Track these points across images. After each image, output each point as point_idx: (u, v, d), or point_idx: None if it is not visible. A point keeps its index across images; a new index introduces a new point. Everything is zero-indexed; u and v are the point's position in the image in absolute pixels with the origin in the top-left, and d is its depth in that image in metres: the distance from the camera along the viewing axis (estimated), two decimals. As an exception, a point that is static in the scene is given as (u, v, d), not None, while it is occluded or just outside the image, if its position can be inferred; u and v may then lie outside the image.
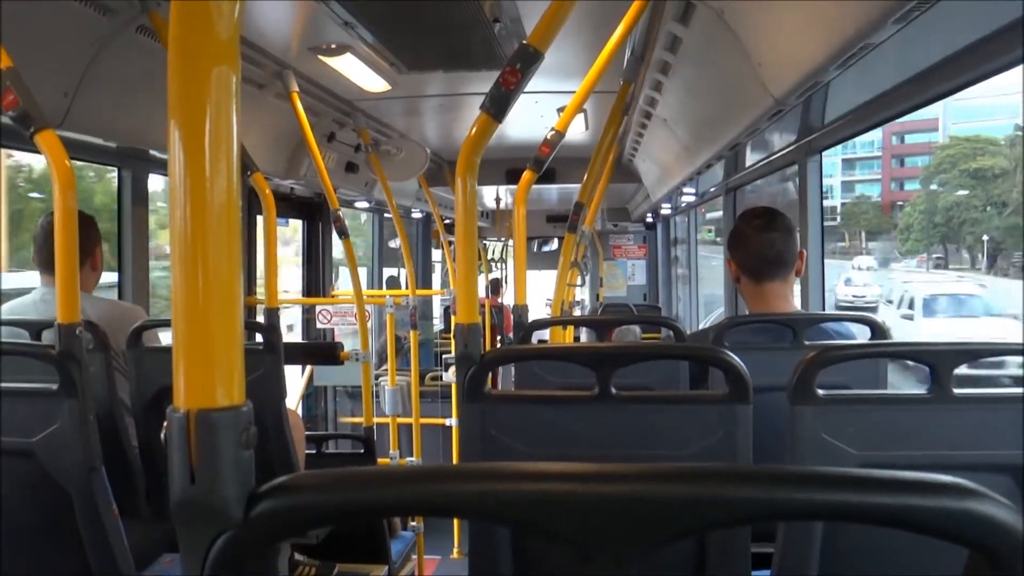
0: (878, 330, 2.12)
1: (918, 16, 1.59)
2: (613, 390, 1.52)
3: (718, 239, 8.25)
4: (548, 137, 2.37)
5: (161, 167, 3.59)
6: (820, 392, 1.42)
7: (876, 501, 0.52)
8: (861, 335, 2.28)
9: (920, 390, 1.42)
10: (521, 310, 2.64)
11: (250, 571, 0.61)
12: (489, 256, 10.58)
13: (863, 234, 28.22)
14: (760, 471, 0.54)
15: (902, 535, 1.41)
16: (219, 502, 0.62)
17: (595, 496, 0.54)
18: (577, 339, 5.76)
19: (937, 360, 1.39)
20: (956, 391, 1.39)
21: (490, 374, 1.62)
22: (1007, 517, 0.50)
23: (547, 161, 2.35)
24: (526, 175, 2.40)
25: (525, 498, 0.55)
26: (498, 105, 1.49)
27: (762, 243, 2.25)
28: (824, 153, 3.10)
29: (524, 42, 1.51)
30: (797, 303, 2.42)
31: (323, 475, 0.60)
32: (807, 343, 2.09)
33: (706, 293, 7.46)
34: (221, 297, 0.64)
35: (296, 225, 6.00)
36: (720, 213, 5.50)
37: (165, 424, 0.65)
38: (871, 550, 1.43)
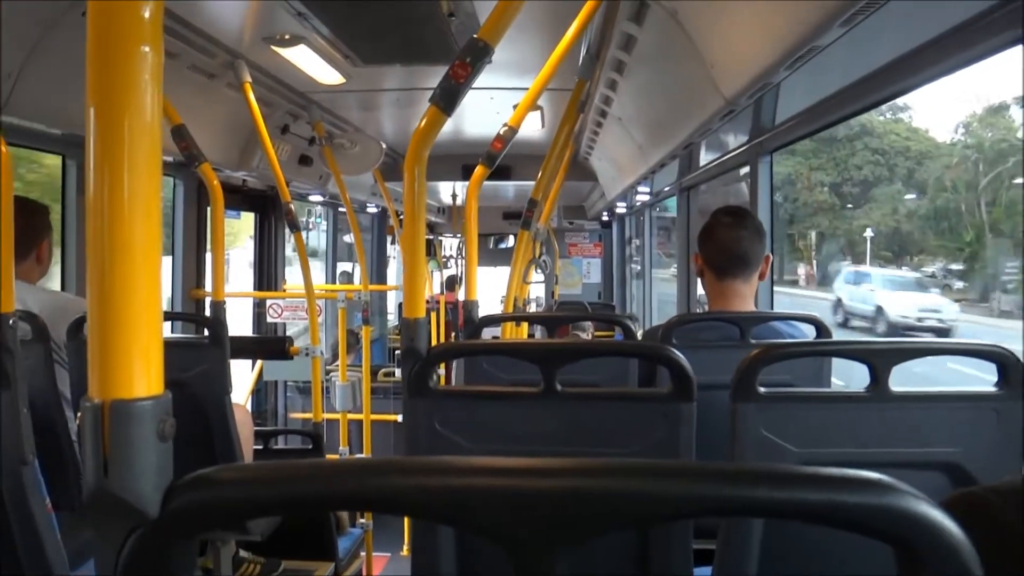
0: (822, 329, 2.16)
1: (863, 20, 1.62)
2: (559, 387, 1.52)
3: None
4: (501, 133, 2.37)
5: None
6: (762, 390, 1.44)
7: (800, 497, 0.52)
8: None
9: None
10: (471, 306, 2.63)
11: (170, 567, 0.59)
12: (445, 253, 10.54)
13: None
14: (686, 466, 0.54)
15: (838, 534, 1.43)
16: (133, 496, 0.60)
17: (520, 490, 0.54)
18: (532, 336, 5.77)
19: (875, 359, 1.41)
20: (894, 389, 1.42)
21: (443, 370, 1.61)
22: (926, 512, 0.51)
23: (499, 157, 2.35)
24: (478, 170, 2.39)
25: (450, 492, 0.54)
26: (447, 98, 1.48)
27: (730, 240, 2.27)
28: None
29: (474, 36, 1.50)
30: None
31: (245, 468, 0.58)
32: (754, 341, 2.11)
33: (660, 292, 7.51)
34: (140, 283, 0.62)
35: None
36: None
37: (78, 415, 0.63)
38: (809, 548, 1.45)
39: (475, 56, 1.48)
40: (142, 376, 0.63)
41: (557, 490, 0.53)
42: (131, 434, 0.61)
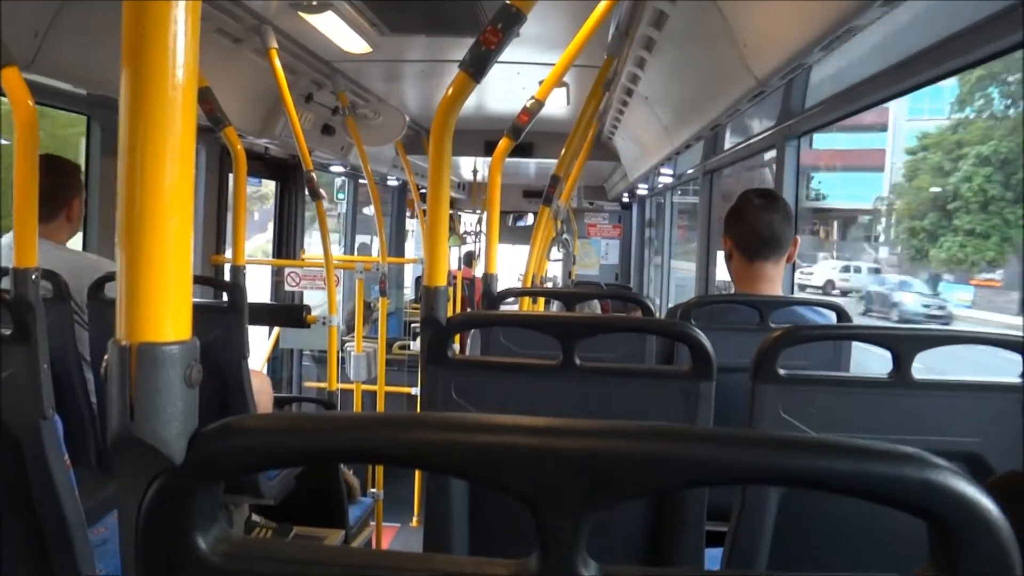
0: (843, 315, 2.14)
1: (903, 0, 1.59)
2: (577, 361, 1.51)
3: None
4: (528, 105, 2.35)
5: None
6: (782, 372, 1.42)
7: (836, 467, 0.51)
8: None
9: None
10: (490, 279, 2.62)
11: (193, 513, 0.58)
12: (463, 229, 10.53)
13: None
14: (718, 432, 0.53)
15: (855, 518, 1.41)
16: (159, 440, 0.60)
17: (549, 449, 0.53)
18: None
19: (899, 345, 1.40)
20: (917, 377, 1.40)
21: (458, 343, 1.60)
22: (964, 488, 0.50)
23: (525, 129, 2.33)
24: (503, 142, 2.38)
25: (478, 448, 0.54)
26: (477, 64, 1.46)
27: (761, 222, 2.25)
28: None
29: (507, 2, 1.48)
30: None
31: (269, 417, 0.58)
32: (774, 325, 2.10)
33: (678, 277, 7.48)
34: (171, 227, 0.62)
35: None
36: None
37: (106, 357, 0.62)
38: (822, 531, 1.44)
39: (507, 22, 1.46)
40: (170, 320, 0.62)
41: (591, 450, 0.52)
42: (158, 378, 0.61)
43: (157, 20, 0.60)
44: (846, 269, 15.82)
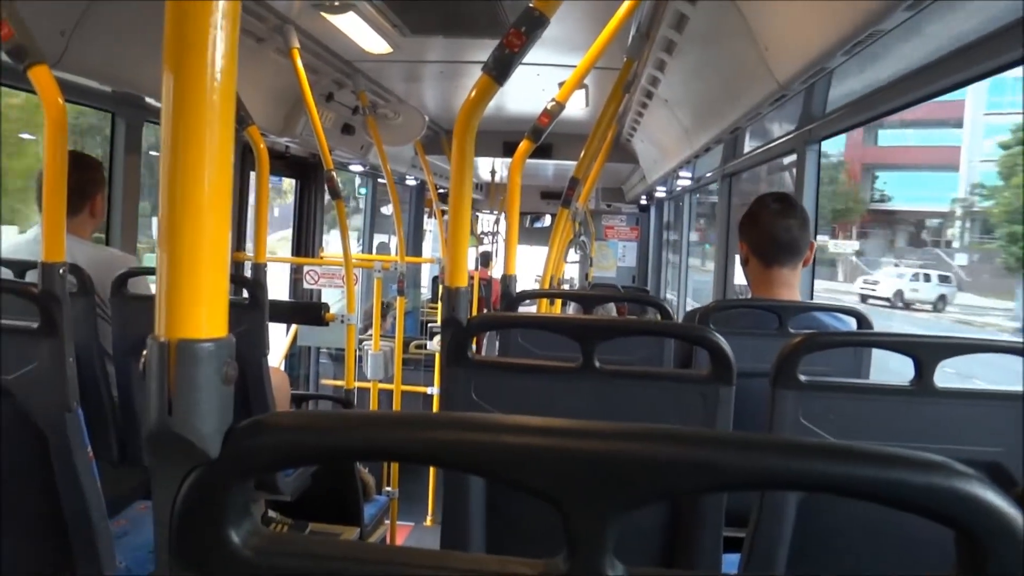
0: (864, 321, 2.13)
1: (929, 4, 1.58)
2: (597, 363, 1.51)
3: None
4: (548, 107, 2.35)
5: (156, 116, 3.55)
6: (802, 378, 1.42)
7: (862, 474, 0.51)
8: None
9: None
10: (509, 280, 2.63)
11: (227, 506, 0.60)
12: (480, 229, 10.55)
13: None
14: (744, 437, 0.54)
15: (873, 524, 1.41)
16: (196, 435, 0.61)
17: (576, 451, 0.54)
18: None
19: (921, 352, 1.39)
20: (939, 385, 1.39)
21: (475, 344, 1.61)
22: (991, 497, 0.50)
23: (545, 132, 2.34)
24: (523, 144, 2.38)
25: (506, 450, 0.55)
26: (500, 67, 1.47)
27: (778, 227, 2.24)
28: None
29: (530, 5, 1.49)
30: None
31: (302, 415, 0.59)
32: (793, 331, 2.09)
33: (696, 279, 7.45)
34: (209, 226, 0.63)
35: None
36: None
37: (144, 353, 0.63)
38: (839, 539, 1.44)
39: (530, 26, 1.47)
40: (208, 318, 0.63)
41: (618, 452, 0.53)
42: (196, 374, 0.62)
43: (198, 26, 0.61)
44: (915, 278, 14.73)
